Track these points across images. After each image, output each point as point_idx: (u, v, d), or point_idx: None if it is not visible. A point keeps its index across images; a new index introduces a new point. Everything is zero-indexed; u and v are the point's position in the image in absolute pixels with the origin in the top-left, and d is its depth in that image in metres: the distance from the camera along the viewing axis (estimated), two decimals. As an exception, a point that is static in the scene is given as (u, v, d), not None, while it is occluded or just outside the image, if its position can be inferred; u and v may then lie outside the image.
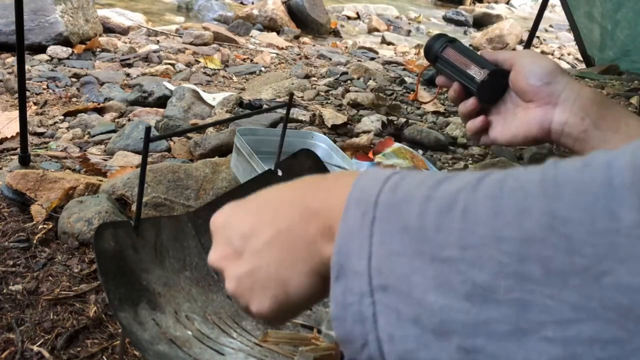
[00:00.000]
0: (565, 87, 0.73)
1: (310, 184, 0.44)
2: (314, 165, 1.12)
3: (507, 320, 0.29)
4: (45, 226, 1.31)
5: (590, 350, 0.27)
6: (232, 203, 0.48)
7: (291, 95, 0.96)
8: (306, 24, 5.53)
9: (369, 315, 0.33)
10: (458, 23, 7.53)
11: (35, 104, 2.57)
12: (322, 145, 1.65)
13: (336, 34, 5.72)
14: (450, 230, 0.31)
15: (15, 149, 1.93)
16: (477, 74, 0.80)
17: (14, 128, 2.07)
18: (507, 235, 0.30)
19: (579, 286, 0.28)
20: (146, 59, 3.46)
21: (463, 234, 0.31)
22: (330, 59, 3.96)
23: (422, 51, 0.92)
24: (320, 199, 0.41)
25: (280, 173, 1.02)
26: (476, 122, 0.82)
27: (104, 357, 0.98)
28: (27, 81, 1.99)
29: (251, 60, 3.80)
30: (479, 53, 0.83)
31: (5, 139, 2.08)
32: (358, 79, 3.07)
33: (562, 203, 0.29)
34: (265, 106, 2.45)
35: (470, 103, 0.82)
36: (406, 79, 3.17)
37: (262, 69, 3.54)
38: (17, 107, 1.62)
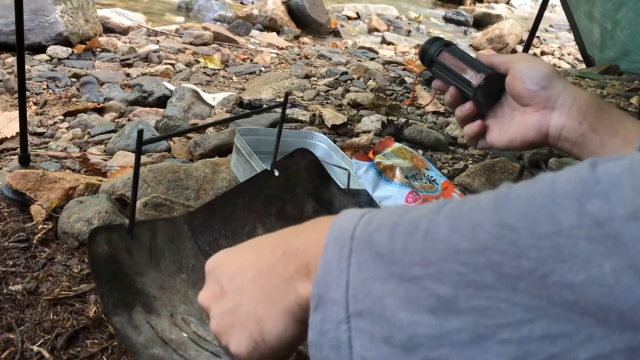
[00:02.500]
0: (562, 91, 0.73)
1: (293, 228, 0.47)
2: (311, 164, 1.12)
3: (467, 328, 0.31)
4: (45, 226, 1.32)
5: (542, 346, 0.29)
6: (226, 249, 0.51)
7: (287, 94, 0.96)
8: (306, 24, 5.53)
9: (344, 341, 0.35)
10: (458, 23, 7.52)
11: (35, 104, 2.58)
12: (322, 145, 1.65)
13: (336, 34, 5.72)
14: (414, 251, 0.34)
15: (15, 149, 1.93)
16: (474, 78, 0.79)
17: (13, 128, 2.08)
18: (463, 248, 0.32)
19: (528, 287, 0.30)
20: (146, 59, 3.46)
21: (426, 252, 0.33)
22: (330, 59, 3.96)
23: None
24: (300, 240, 0.44)
25: (277, 173, 1.02)
26: (473, 127, 0.82)
27: (103, 357, 0.98)
28: (27, 81, 1.99)
29: (251, 60, 3.80)
30: (474, 56, 0.83)
31: (5, 139, 2.08)
32: (358, 79, 3.07)
33: (510, 213, 0.31)
34: (265, 106, 2.45)
35: (467, 107, 0.81)
36: (406, 79, 3.17)
37: (262, 69, 3.54)
38: (17, 107, 1.62)
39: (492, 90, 0.79)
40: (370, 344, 0.34)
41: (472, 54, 0.87)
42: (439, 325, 0.32)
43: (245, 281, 0.45)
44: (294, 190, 1.05)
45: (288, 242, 0.45)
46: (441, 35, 0.92)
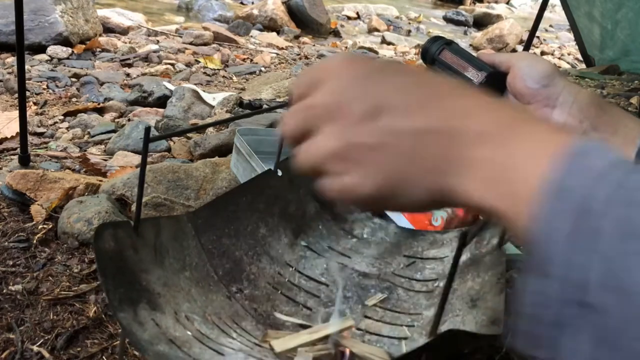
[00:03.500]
0: (563, 89, 0.73)
1: (487, 102, 0.38)
2: (314, 165, 1.11)
3: None
4: (45, 226, 1.31)
5: None
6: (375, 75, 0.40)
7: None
8: (306, 24, 5.53)
9: (564, 323, 0.30)
10: (458, 23, 7.53)
11: (35, 104, 2.57)
12: (322, 145, 1.65)
13: (336, 34, 5.72)
14: None
15: (15, 149, 1.93)
16: (475, 76, 0.80)
17: (14, 128, 2.07)
18: None
19: None
20: (146, 59, 3.46)
21: None
22: (330, 59, 3.96)
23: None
24: (504, 142, 0.35)
25: (280, 173, 1.02)
26: None
27: (104, 357, 0.98)
28: (27, 81, 1.99)
29: (251, 60, 3.80)
30: (476, 55, 0.83)
31: (5, 139, 2.08)
32: (358, 79, 3.07)
33: None
34: (265, 106, 2.45)
35: None
36: (406, 79, 3.17)
37: (262, 69, 3.54)
38: (17, 107, 1.62)
39: (493, 89, 0.80)
40: (593, 347, 0.29)
41: (474, 54, 0.87)
42: None
43: (409, 127, 0.37)
44: (297, 190, 1.05)
45: (479, 123, 0.36)
46: (441, 35, 0.93)
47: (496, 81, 0.79)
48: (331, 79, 0.40)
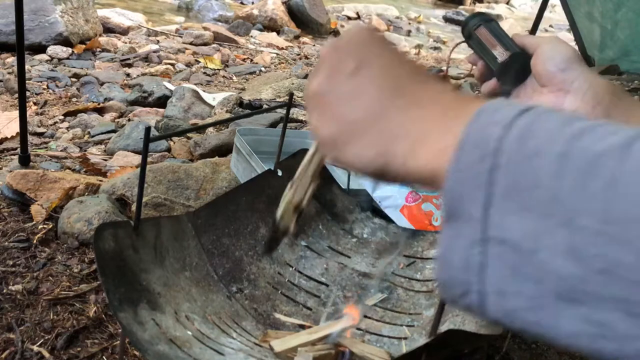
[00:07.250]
0: (579, 75, 0.73)
1: (454, 98, 0.41)
2: (314, 165, 1.11)
3: None
4: (45, 226, 1.31)
5: None
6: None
7: (291, 95, 0.96)
8: (306, 24, 5.53)
9: (474, 264, 0.32)
10: (458, 23, 7.53)
11: (35, 104, 2.57)
12: (322, 145, 1.65)
13: (336, 34, 5.72)
14: (591, 198, 0.29)
15: (15, 149, 1.93)
16: (500, 55, 0.81)
17: (14, 128, 2.07)
18: None
19: None
20: (146, 59, 3.46)
21: (607, 206, 0.28)
22: (330, 59, 3.96)
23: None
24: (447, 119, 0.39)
25: (280, 173, 1.02)
26: None
27: (104, 357, 0.98)
28: (27, 81, 1.99)
29: (251, 60, 3.79)
30: (511, 36, 0.84)
31: (5, 139, 2.08)
32: (358, 79, 3.07)
33: None
34: (265, 106, 2.45)
35: (491, 83, 0.83)
36: (406, 79, 3.17)
37: (262, 69, 3.54)
38: (17, 107, 1.62)
39: (516, 69, 0.81)
40: (511, 278, 0.31)
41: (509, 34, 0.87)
42: (612, 290, 0.28)
43: (374, 94, 0.42)
44: (296, 189, 1.05)
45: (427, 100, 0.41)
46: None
47: (521, 62, 0.80)
48: (344, 43, 0.46)
